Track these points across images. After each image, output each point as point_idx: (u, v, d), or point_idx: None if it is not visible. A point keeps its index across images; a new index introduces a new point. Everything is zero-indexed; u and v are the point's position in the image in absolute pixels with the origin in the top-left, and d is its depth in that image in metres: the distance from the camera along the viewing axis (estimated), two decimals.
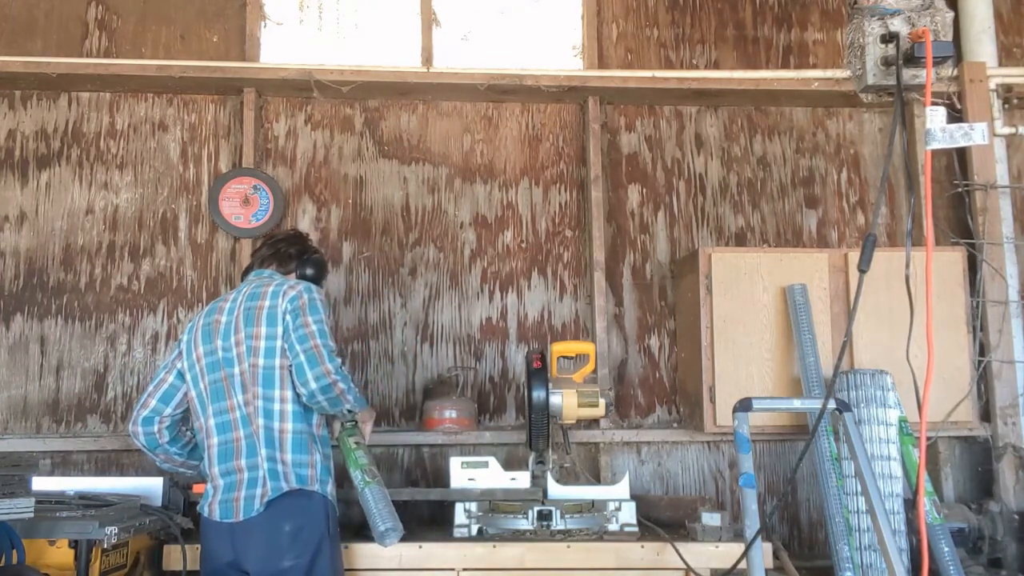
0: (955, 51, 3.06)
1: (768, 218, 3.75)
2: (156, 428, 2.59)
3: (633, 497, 2.92)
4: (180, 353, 2.61)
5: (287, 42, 3.74)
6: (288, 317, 2.46)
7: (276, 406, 2.43)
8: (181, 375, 2.59)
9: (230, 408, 2.47)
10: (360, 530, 2.82)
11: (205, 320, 2.59)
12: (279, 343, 2.45)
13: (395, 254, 3.63)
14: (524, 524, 2.80)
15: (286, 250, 2.72)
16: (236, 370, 2.48)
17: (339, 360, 2.46)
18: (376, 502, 2.44)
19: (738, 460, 2.52)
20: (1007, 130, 3.63)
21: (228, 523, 2.39)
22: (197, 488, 2.80)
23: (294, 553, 2.35)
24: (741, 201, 3.76)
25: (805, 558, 3.33)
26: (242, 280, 2.78)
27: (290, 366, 2.44)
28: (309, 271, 2.74)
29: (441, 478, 3.34)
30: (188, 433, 2.67)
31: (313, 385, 2.40)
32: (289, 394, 2.44)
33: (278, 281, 2.58)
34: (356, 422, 2.66)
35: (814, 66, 3.82)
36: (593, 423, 3.42)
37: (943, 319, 3.17)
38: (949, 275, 3.28)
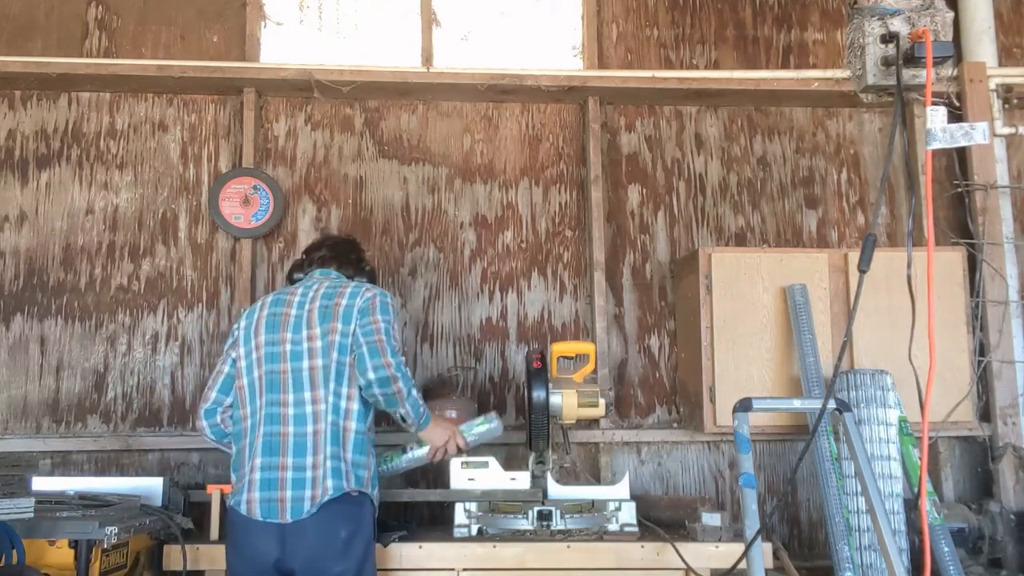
0: (955, 51, 3.06)
1: (768, 218, 3.75)
2: (219, 419, 2.57)
3: (633, 497, 2.92)
4: (235, 341, 2.58)
5: (287, 42, 3.74)
6: (357, 312, 2.49)
7: (343, 403, 2.44)
8: (235, 363, 2.57)
9: (283, 403, 2.44)
10: None
11: (271, 310, 2.56)
12: (351, 340, 2.46)
13: (395, 254, 3.63)
14: (524, 524, 2.80)
15: (347, 255, 2.78)
16: (305, 364, 2.46)
17: (402, 359, 2.49)
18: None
19: (738, 460, 2.52)
20: (1007, 130, 3.64)
21: (275, 523, 2.35)
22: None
23: (346, 560, 2.35)
24: (741, 201, 3.76)
25: (805, 558, 3.33)
26: (289, 279, 2.78)
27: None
28: (364, 280, 2.77)
29: (441, 478, 3.33)
30: None
31: (371, 375, 2.42)
32: (356, 392, 2.45)
33: (355, 284, 2.61)
34: (419, 442, 2.69)
35: (814, 66, 3.82)
36: (593, 423, 3.42)
37: (943, 319, 3.17)
38: (949, 275, 3.28)
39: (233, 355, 2.57)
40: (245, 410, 2.50)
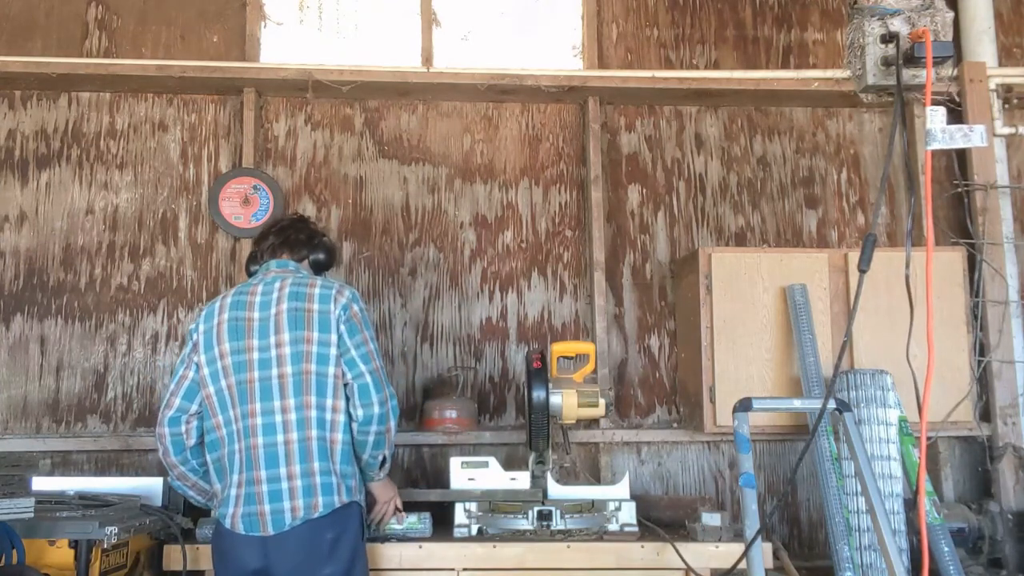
0: (955, 51, 3.06)
1: (768, 218, 3.76)
2: (183, 428, 2.46)
3: (633, 497, 2.91)
4: (196, 345, 2.47)
5: (287, 42, 3.74)
6: (343, 327, 2.42)
7: (328, 415, 2.38)
8: (198, 369, 2.47)
9: (251, 413, 2.37)
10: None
11: (232, 314, 2.46)
12: (333, 351, 2.39)
13: (395, 254, 3.63)
14: (524, 524, 2.80)
15: (295, 236, 2.66)
16: (273, 372, 2.38)
17: (392, 388, 2.47)
18: None
19: (738, 460, 2.52)
20: (1007, 130, 3.63)
21: (258, 536, 2.31)
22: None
23: (334, 561, 2.32)
24: (741, 201, 3.76)
25: (805, 558, 3.34)
26: (248, 271, 2.71)
27: (345, 383, 2.41)
28: (321, 256, 2.70)
29: (441, 478, 3.34)
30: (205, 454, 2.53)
31: (376, 409, 2.38)
32: (341, 404, 2.40)
33: (321, 282, 2.51)
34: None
35: (814, 66, 3.82)
36: (593, 423, 3.42)
37: (943, 319, 3.17)
38: (949, 275, 3.28)
39: (196, 360, 2.47)
40: (217, 419, 2.42)
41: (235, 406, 2.40)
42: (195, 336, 2.50)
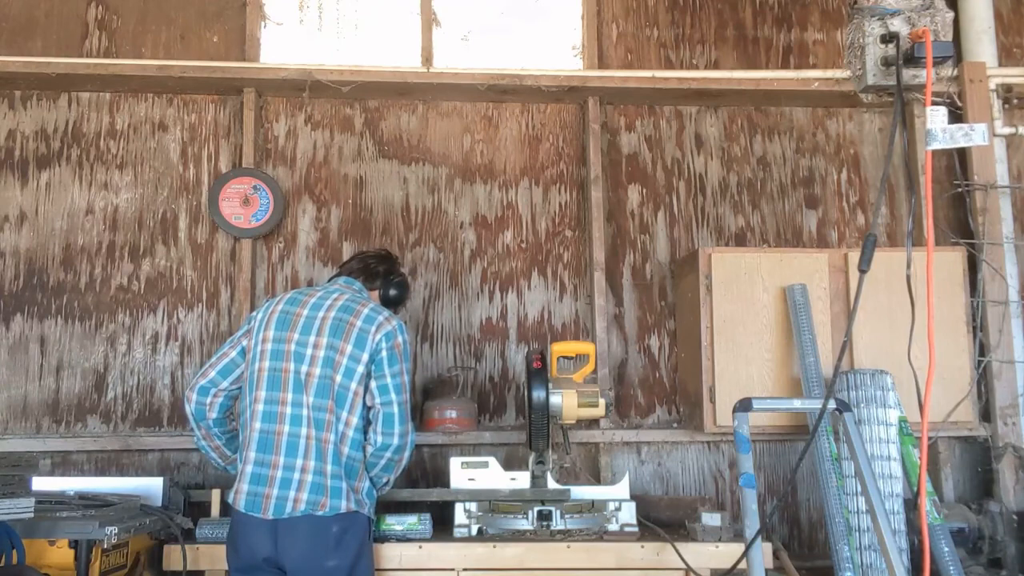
0: (955, 51, 3.06)
1: (768, 218, 3.75)
2: (209, 400, 2.59)
3: (633, 497, 2.92)
4: (249, 331, 2.62)
5: (287, 42, 3.74)
6: (384, 354, 2.51)
7: (342, 427, 2.47)
8: (244, 353, 2.60)
9: (281, 401, 2.47)
10: None
11: (285, 307, 2.59)
12: (360, 368, 2.49)
13: (395, 254, 3.62)
14: (524, 524, 2.80)
15: (375, 267, 2.83)
16: (304, 368, 2.48)
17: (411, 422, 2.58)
18: None
19: (738, 460, 2.52)
20: (1007, 130, 3.63)
21: (270, 519, 2.38)
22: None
23: (339, 554, 2.39)
24: (741, 201, 3.76)
25: (805, 558, 3.33)
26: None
27: (368, 406, 2.51)
28: (392, 292, 2.84)
29: (441, 478, 3.34)
30: (233, 423, 2.67)
31: (395, 440, 2.50)
32: (355, 420, 2.48)
33: (373, 305, 2.62)
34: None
35: (814, 66, 3.82)
36: (593, 423, 3.42)
37: (943, 319, 3.17)
38: (949, 275, 3.28)
39: (244, 343, 2.61)
40: (245, 401, 2.54)
41: (262, 389, 2.50)
42: (251, 322, 2.63)
